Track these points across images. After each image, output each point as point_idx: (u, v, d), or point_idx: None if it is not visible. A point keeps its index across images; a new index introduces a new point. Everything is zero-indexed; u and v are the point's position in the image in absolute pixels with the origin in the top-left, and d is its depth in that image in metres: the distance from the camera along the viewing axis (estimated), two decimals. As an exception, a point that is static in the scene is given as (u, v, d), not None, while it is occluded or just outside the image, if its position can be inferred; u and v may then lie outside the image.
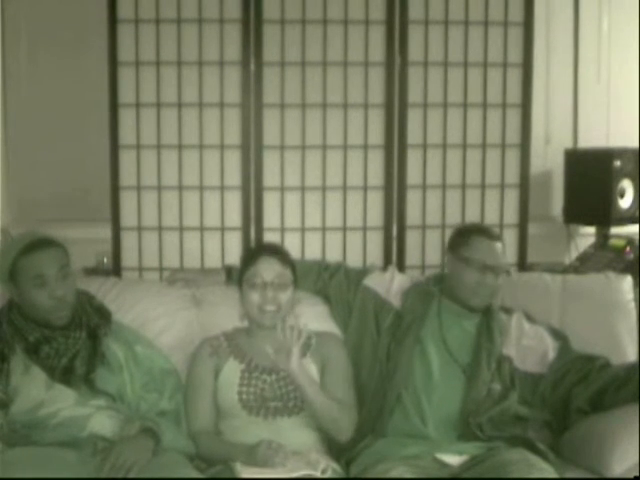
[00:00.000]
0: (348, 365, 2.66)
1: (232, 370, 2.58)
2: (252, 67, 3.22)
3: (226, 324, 2.73)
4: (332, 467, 2.41)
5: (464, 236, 2.75)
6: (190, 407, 2.57)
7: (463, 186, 3.37)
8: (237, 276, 2.80)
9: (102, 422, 2.43)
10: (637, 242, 3.51)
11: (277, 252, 2.64)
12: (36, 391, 2.42)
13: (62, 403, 2.42)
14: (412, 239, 3.35)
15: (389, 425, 2.60)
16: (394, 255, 3.33)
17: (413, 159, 3.33)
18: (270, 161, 3.27)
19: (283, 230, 3.29)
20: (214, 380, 2.58)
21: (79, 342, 2.48)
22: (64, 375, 2.44)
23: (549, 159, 4.02)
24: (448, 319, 2.71)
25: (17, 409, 2.40)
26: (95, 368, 2.47)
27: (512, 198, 3.39)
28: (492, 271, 2.66)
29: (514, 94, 3.36)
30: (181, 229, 3.27)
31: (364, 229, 3.33)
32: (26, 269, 2.44)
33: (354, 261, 3.24)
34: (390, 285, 2.87)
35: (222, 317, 2.81)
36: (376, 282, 2.88)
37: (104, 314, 2.61)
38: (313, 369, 2.60)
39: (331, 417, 2.50)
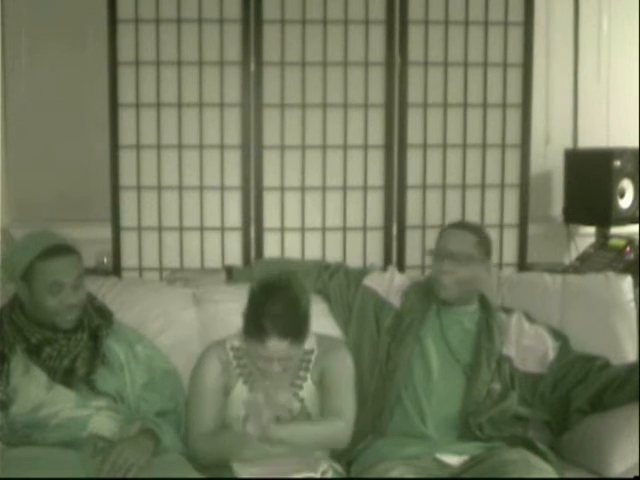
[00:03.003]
0: (351, 373, 2.59)
1: (240, 397, 2.48)
2: (252, 67, 3.22)
3: (226, 323, 2.72)
4: (333, 467, 2.41)
5: (440, 232, 2.80)
6: (193, 413, 2.50)
7: (463, 186, 3.37)
8: (238, 276, 2.84)
9: (102, 422, 2.43)
10: (637, 242, 3.50)
11: (289, 333, 2.36)
12: (36, 392, 2.41)
13: (62, 404, 2.41)
14: (412, 239, 3.35)
15: (389, 425, 2.60)
16: (394, 255, 3.33)
17: (413, 159, 3.33)
18: (270, 161, 3.27)
19: (283, 230, 3.29)
20: (223, 394, 2.49)
21: (81, 343, 2.48)
22: (65, 376, 2.43)
23: (549, 159, 4.01)
24: (448, 319, 2.71)
25: (17, 410, 2.40)
26: (96, 369, 2.47)
27: (512, 198, 3.39)
28: (453, 258, 2.65)
29: (514, 94, 3.36)
30: (181, 229, 3.27)
31: (364, 229, 3.33)
32: (44, 273, 2.41)
33: (354, 261, 3.24)
34: (390, 285, 2.87)
35: (222, 316, 2.82)
36: (376, 282, 2.88)
37: (105, 314, 2.60)
38: (312, 388, 2.52)
39: (322, 439, 2.45)
